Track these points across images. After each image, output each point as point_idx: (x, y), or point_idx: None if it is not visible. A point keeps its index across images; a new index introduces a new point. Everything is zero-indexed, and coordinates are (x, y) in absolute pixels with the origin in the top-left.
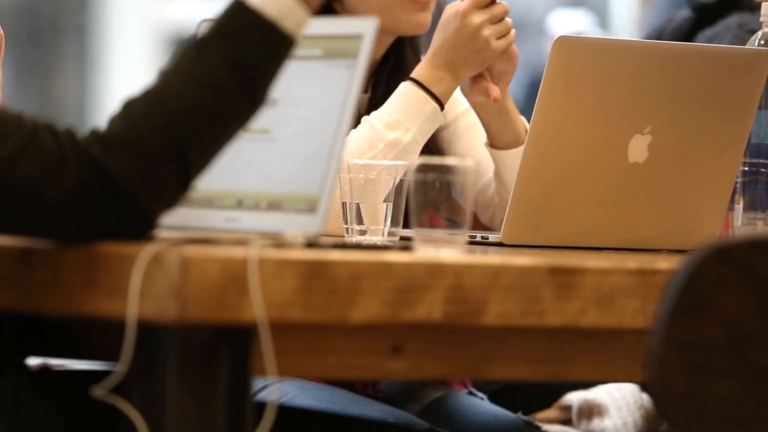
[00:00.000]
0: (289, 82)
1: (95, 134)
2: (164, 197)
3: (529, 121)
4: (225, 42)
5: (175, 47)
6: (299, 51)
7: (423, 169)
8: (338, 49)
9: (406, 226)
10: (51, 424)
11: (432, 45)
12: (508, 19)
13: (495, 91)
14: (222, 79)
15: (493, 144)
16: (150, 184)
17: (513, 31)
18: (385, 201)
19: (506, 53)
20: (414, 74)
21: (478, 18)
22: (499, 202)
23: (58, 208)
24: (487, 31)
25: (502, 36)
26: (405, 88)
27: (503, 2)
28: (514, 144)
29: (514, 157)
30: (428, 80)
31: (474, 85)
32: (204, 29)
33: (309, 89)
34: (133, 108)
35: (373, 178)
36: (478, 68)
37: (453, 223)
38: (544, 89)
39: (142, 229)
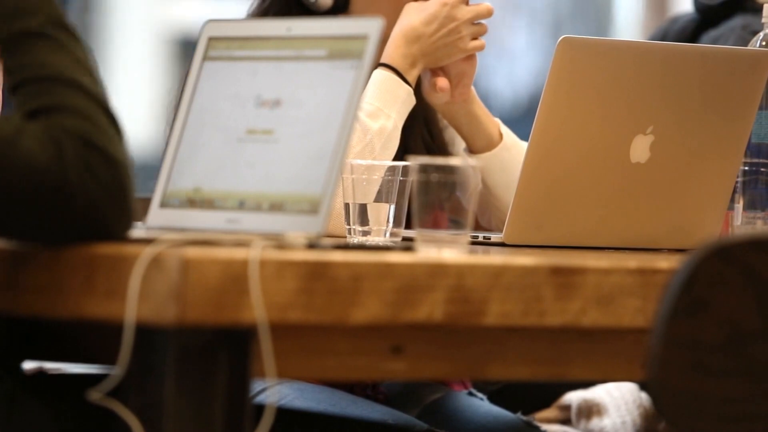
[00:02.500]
0: (293, 82)
1: (47, 125)
2: (120, 136)
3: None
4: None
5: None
6: (304, 51)
7: (426, 169)
8: (343, 50)
9: (408, 226)
10: (47, 428)
11: (405, 23)
12: (484, 22)
13: (441, 81)
14: (57, 38)
15: (469, 149)
16: (107, 133)
17: (483, 42)
18: (387, 202)
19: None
20: (386, 59)
21: (463, 14)
22: (486, 205)
23: (65, 182)
24: (466, 30)
25: (475, 37)
26: (379, 75)
27: (489, 4)
28: (487, 147)
29: (488, 160)
30: (401, 65)
31: (427, 81)
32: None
33: (313, 90)
34: (36, 105)
35: (375, 179)
36: (441, 62)
37: (456, 224)
38: (547, 89)
39: (130, 178)
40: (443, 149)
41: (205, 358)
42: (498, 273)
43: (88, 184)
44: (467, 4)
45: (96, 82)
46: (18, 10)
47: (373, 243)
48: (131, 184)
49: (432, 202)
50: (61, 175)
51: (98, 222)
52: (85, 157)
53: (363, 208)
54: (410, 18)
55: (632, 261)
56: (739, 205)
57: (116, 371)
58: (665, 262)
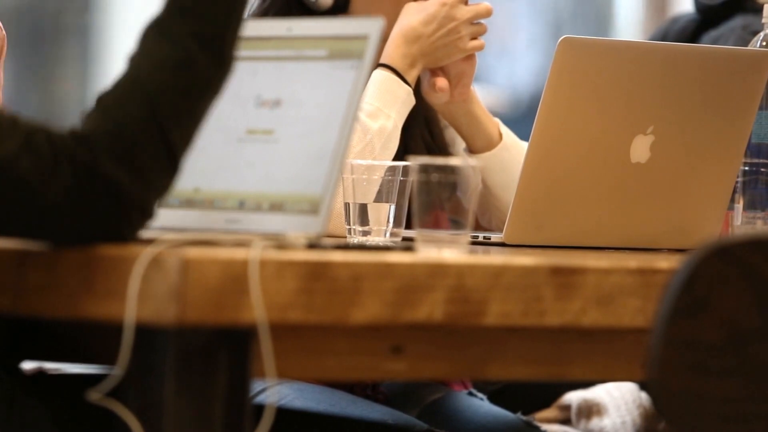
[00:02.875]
0: (293, 82)
1: (76, 134)
2: (156, 184)
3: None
4: (183, 15)
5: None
6: (304, 51)
7: (426, 169)
8: (343, 50)
9: (408, 226)
10: (46, 428)
11: (404, 23)
12: (484, 22)
13: (440, 81)
14: (188, 53)
15: (468, 149)
16: (140, 173)
17: (483, 42)
18: (388, 202)
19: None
20: (386, 59)
21: (462, 13)
22: (486, 205)
23: (55, 209)
24: (465, 30)
25: (474, 37)
26: (378, 75)
27: (488, 4)
28: (487, 147)
29: (488, 160)
30: (400, 65)
31: (426, 81)
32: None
33: (313, 90)
34: (107, 102)
35: (376, 179)
36: (441, 62)
37: (456, 224)
38: (548, 89)
39: (140, 221)
40: (444, 149)
41: (205, 358)
42: (498, 273)
43: (77, 212)
44: (466, 3)
45: (187, 117)
46: (188, 9)
47: (373, 243)
48: (134, 222)
49: (432, 202)
50: (49, 200)
51: (82, 243)
52: (82, 184)
53: (363, 208)
54: (409, 18)
55: (632, 261)
56: (739, 205)
57: (116, 371)
58: (665, 262)
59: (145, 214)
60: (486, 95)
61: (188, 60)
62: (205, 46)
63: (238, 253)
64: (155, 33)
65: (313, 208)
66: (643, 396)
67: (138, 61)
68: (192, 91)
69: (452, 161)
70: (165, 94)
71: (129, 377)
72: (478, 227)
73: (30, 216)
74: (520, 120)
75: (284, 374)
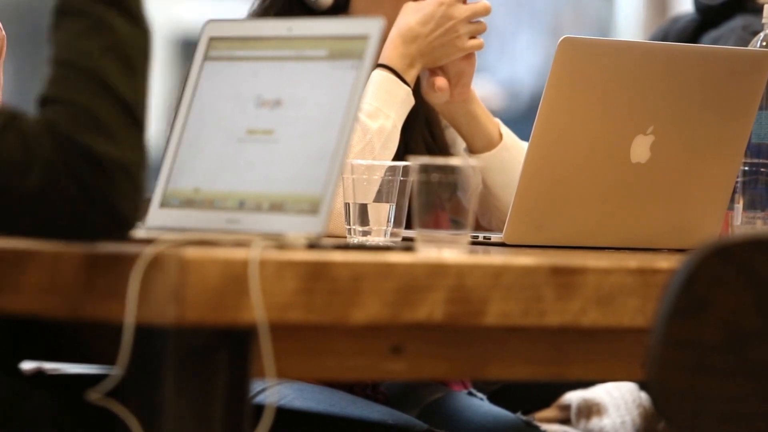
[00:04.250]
0: (293, 82)
1: (40, 121)
2: (127, 141)
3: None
4: None
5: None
6: (304, 51)
7: (426, 169)
8: (343, 50)
9: (408, 226)
10: (46, 429)
11: (402, 24)
12: (483, 20)
13: (439, 81)
14: (98, 16)
15: (469, 149)
16: (109, 134)
17: (482, 40)
18: (388, 202)
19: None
20: (384, 60)
21: (460, 12)
22: (486, 206)
23: (40, 191)
24: (464, 29)
25: (473, 36)
26: (377, 76)
27: (486, 2)
28: (487, 147)
29: (488, 160)
30: (399, 65)
31: (426, 81)
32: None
33: (313, 90)
34: (48, 93)
35: (376, 179)
36: (439, 61)
37: (456, 224)
38: (548, 89)
39: (126, 183)
40: (444, 150)
41: (205, 358)
42: (498, 273)
43: (63, 185)
44: (464, 2)
45: (125, 70)
46: None
47: (373, 243)
48: (121, 185)
49: (432, 202)
50: (32, 176)
51: (78, 224)
52: (64, 158)
53: (363, 208)
54: (407, 18)
55: (632, 261)
56: (739, 205)
57: (116, 371)
58: (665, 262)
59: (129, 176)
60: (486, 92)
61: (101, 22)
62: (112, 7)
63: (238, 253)
64: (60, 16)
65: (313, 208)
66: (643, 396)
67: (57, 41)
68: (118, 46)
69: (452, 161)
70: (93, 56)
71: (129, 377)
72: (478, 227)
73: (12, 192)
74: (520, 120)
75: (284, 374)
